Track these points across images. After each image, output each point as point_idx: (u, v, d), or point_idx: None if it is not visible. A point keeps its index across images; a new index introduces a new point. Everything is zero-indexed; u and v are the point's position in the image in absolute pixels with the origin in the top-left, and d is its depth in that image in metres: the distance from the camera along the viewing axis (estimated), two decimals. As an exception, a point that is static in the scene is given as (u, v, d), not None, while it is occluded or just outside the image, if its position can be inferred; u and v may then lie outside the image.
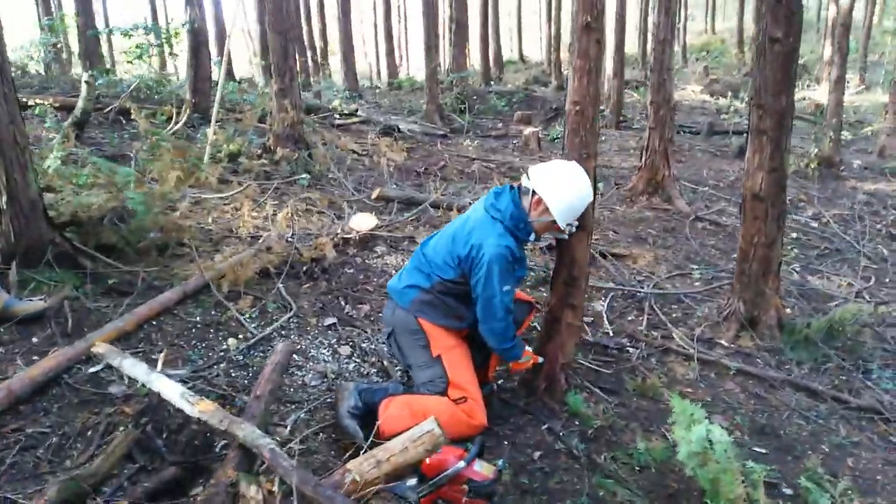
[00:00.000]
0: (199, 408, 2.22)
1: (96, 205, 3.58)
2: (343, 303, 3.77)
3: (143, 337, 3.05)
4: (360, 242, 4.61)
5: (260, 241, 4.31)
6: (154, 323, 3.18)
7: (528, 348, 2.96)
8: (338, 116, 9.89)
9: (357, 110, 10.87)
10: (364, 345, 3.35)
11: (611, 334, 4.10)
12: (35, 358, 2.71)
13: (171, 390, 2.29)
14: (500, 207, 2.71)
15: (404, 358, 2.83)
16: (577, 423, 2.99)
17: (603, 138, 12.15)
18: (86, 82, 6.33)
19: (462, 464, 2.25)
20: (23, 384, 2.43)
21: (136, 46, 8.34)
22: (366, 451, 2.13)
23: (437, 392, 2.72)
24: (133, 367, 2.42)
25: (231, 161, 6.27)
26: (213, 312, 3.42)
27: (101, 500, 1.98)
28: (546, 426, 2.92)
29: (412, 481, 2.28)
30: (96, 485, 2.04)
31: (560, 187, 2.68)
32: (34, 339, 2.86)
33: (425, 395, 2.73)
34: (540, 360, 3.02)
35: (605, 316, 4.29)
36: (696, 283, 5.06)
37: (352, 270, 4.27)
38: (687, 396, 3.47)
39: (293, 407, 2.72)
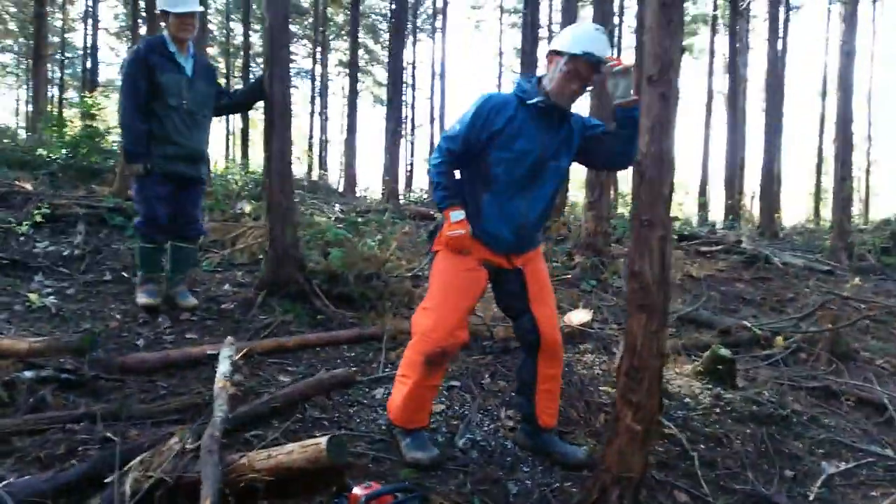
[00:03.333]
0: (220, 384, 2.72)
1: (342, 262, 4.56)
2: (487, 375, 3.78)
3: (297, 355, 3.72)
4: (567, 336, 4.47)
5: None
6: (317, 349, 3.84)
7: (461, 217, 2.70)
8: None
9: (741, 241, 10.11)
10: (459, 409, 3.33)
11: (810, 497, 2.99)
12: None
13: (222, 368, 2.86)
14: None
15: None
16: (608, 551, 2.38)
17: None
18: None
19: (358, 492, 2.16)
20: (179, 355, 3.35)
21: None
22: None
23: None
24: (225, 354, 3.08)
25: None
26: (369, 354, 3.90)
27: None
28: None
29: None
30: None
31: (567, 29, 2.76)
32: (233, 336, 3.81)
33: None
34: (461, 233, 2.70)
35: (823, 477, 3.15)
36: None
37: (535, 357, 4.20)
38: None
39: (334, 427, 2.94)
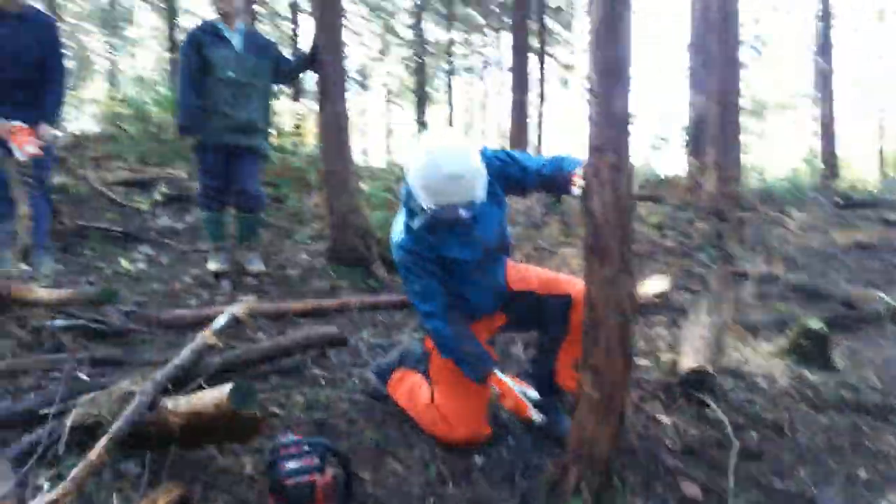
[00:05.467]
0: (207, 334, 2.78)
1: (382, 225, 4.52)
2: (521, 344, 3.47)
3: (333, 316, 3.72)
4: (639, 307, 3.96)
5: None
6: (358, 309, 3.79)
7: (502, 375, 2.36)
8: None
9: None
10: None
11: None
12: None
13: (220, 321, 2.92)
14: None
15: None
16: (549, 533, 2.05)
17: None
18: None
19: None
20: (214, 312, 3.47)
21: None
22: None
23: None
24: (229, 311, 3.15)
25: (657, 230, 6.15)
26: (399, 319, 3.80)
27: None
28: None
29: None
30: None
31: (414, 159, 2.25)
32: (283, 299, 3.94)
33: (429, 386, 2.60)
34: (528, 394, 2.32)
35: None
36: None
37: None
38: None
39: (329, 385, 2.88)
